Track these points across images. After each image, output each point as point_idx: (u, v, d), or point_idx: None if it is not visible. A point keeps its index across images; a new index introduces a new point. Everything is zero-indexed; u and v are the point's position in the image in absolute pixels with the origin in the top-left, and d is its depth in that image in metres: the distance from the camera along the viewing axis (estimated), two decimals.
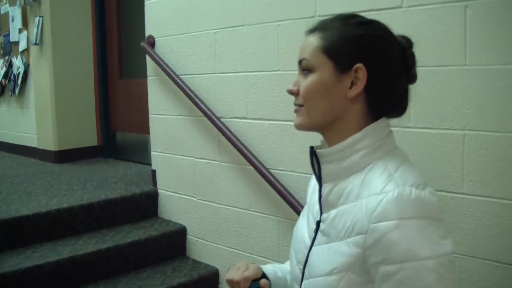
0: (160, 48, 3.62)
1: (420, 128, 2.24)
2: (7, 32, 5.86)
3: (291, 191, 2.78)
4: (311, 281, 1.27)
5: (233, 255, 3.25)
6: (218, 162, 3.29)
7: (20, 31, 5.57)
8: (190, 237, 3.57)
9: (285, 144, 2.87)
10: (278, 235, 2.96)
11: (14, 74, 5.80)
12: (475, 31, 2.06)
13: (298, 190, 2.80)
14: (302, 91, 1.26)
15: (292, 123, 2.80)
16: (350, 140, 1.24)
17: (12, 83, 5.86)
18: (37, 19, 5.09)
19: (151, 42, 3.67)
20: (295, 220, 2.78)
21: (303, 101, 1.27)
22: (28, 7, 5.37)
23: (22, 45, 5.54)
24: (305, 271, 1.32)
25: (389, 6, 2.28)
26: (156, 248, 3.41)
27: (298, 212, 2.68)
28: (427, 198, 1.14)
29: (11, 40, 5.77)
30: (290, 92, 1.32)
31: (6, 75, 5.97)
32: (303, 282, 1.32)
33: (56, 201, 3.47)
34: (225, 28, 3.13)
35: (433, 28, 2.16)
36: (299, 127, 1.31)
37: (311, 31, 1.30)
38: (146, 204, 3.76)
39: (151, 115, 3.79)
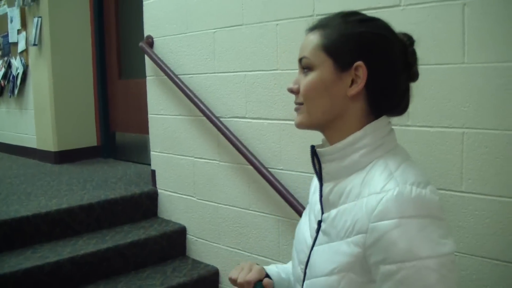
0: (159, 48, 3.62)
1: (419, 126, 2.24)
2: (5, 33, 5.86)
3: (290, 190, 2.78)
4: (313, 281, 1.27)
5: (233, 255, 3.26)
6: (217, 162, 3.29)
7: (18, 32, 5.57)
8: (190, 236, 3.57)
9: (284, 143, 2.87)
10: (277, 234, 2.96)
11: (13, 75, 5.80)
12: (473, 29, 2.06)
13: (297, 189, 2.80)
14: (302, 90, 1.26)
15: (291, 122, 2.83)
16: (350, 138, 1.23)
17: (11, 84, 5.87)
18: (35, 19, 5.09)
19: (150, 42, 3.67)
20: (295, 219, 2.80)
21: (303, 100, 1.26)
22: (26, 8, 5.37)
23: (21, 46, 5.54)
24: (307, 271, 1.31)
25: (387, 5, 2.28)
26: (156, 248, 3.41)
27: (298, 211, 2.69)
28: (428, 196, 1.13)
29: (10, 41, 5.77)
30: (291, 91, 1.31)
31: (5, 76, 5.97)
32: (305, 282, 1.32)
33: (56, 201, 3.47)
34: (224, 27, 3.13)
35: (431, 27, 2.16)
36: (299, 125, 1.30)
37: (312, 29, 1.29)
38: (145, 204, 3.76)
39: (150, 115, 3.79)
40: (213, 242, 3.39)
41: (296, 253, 1.41)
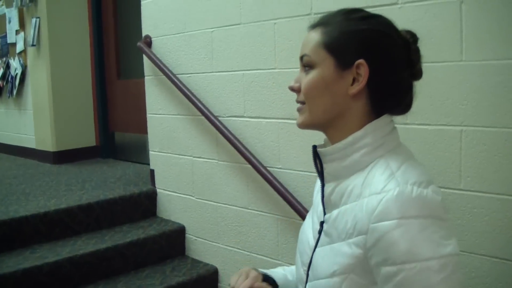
0: (157, 47, 3.62)
1: (417, 124, 2.24)
2: (4, 34, 5.86)
3: (289, 189, 2.78)
4: (315, 283, 1.26)
5: (232, 254, 3.26)
6: (216, 161, 3.29)
7: (17, 32, 5.57)
8: (189, 236, 3.57)
9: (282, 142, 2.87)
10: (276, 233, 2.96)
11: (11, 75, 5.80)
12: (471, 27, 2.06)
13: (296, 188, 2.80)
14: (303, 88, 1.24)
15: (289, 121, 2.83)
16: (350, 138, 1.21)
17: (9, 85, 5.87)
18: (34, 20, 5.09)
19: (148, 42, 3.67)
20: (294, 218, 2.80)
21: (304, 98, 1.25)
22: (24, 9, 5.37)
23: (19, 47, 5.54)
24: (309, 272, 1.30)
25: (384, 3, 2.28)
26: (155, 248, 3.41)
27: (296, 210, 2.69)
28: (429, 196, 1.11)
29: (8, 41, 5.77)
30: (292, 89, 1.29)
31: (3, 77, 5.97)
32: (307, 284, 1.30)
33: (55, 201, 3.47)
34: (222, 26, 3.13)
35: (429, 24, 2.16)
36: (301, 125, 1.29)
37: (313, 26, 1.27)
38: (145, 203, 3.76)
39: (149, 115, 3.79)
40: (212, 242, 3.39)
41: (299, 255, 1.40)
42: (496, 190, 2.06)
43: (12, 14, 5.56)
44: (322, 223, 1.29)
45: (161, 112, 3.66)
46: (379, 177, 1.15)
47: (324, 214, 1.29)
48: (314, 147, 1.29)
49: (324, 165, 1.27)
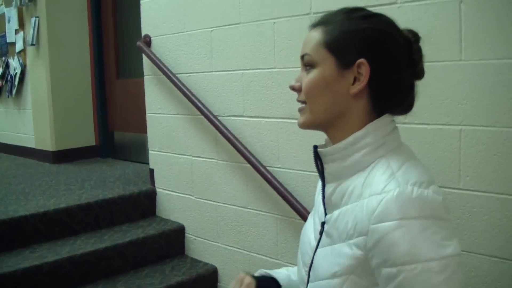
0: (157, 47, 3.62)
1: (417, 124, 2.24)
2: (3, 33, 5.86)
3: (288, 189, 2.78)
4: (316, 284, 1.25)
5: (231, 253, 3.26)
6: (215, 161, 3.29)
7: (16, 32, 5.56)
8: (189, 235, 3.57)
9: (282, 142, 2.87)
10: (276, 232, 2.96)
11: (11, 75, 5.80)
12: (470, 26, 2.06)
13: (295, 187, 2.80)
14: (304, 87, 1.23)
15: (289, 121, 2.83)
16: (351, 138, 1.20)
17: (9, 84, 5.86)
18: (33, 19, 5.09)
19: (147, 41, 3.67)
20: (293, 218, 2.80)
21: (305, 98, 1.24)
22: (24, 8, 5.37)
23: (19, 46, 5.54)
24: (310, 273, 1.29)
25: (384, 2, 2.28)
26: (155, 247, 3.41)
27: (296, 209, 2.69)
28: (430, 197, 1.10)
29: (8, 41, 5.77)
30: (292, 88, 1.28)
31: (3, 76, 5.97)
32: (309, 284, 1.30)
33: (54, 201, 3.47)
34: (221, 26, 3.13)
35: (428, 24, 2.16)
36: (302, 125, 1.28)
37: (314, 25, 1.26)
38: (144, 203, 3.76)
39: (148, 114, 3.79)
40: (212, 241, 3.39)
41: (301, 255, 1.39)
42: (495, 189, 2.06)
43: (12, 13, 5.56)
44: (323, 224, 1.28)
45: (160, 112, 3.66)
46: (380, 177, 1.14)
47: (325, 214, 1.28)
48: (315, 147, 1.28)
49: (325, 165, 1.26)
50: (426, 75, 1.27)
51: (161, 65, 3.47)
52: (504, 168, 2.03)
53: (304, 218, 2.64)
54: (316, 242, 1.30)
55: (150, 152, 3.84)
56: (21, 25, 5.47)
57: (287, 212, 2.83)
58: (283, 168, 2.88)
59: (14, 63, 5.69)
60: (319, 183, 1.41)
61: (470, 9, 2.05)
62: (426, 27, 2.15)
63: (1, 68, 5.99)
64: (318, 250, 1.28)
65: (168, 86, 3.51)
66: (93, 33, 5.25)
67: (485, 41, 2.02)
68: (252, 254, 3.12)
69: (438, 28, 2.14)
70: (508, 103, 1.99)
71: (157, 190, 3.80)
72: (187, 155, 3.49)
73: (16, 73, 5.67)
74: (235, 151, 3.03)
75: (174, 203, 3.66)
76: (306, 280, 1.32)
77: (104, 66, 5.27)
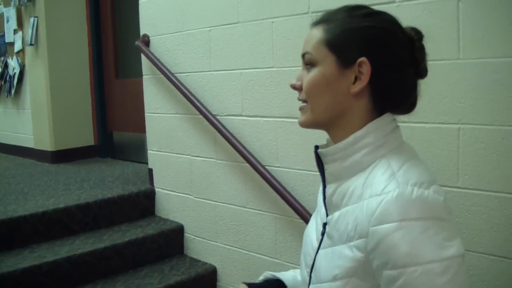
0: (155, 46, 3.62)
1: (415, 122, 2.24)
2: (2, 33, 5.86)
3: (287, 188, 2.78)
4: (318, 286, 1.24)
5: (230, 253, 3.26)
6: (214, 160, 3.29)
7: (15, 31, 5.57)
8: (188, 235, 3.57)
9: (280, 141, 2.87)
10: (275, 232, 2.96)
11: (9, 75, 5.80)
12: (468, 25, 2.06)
13: (294, 186, 2.80)
14: (305, 86, 1.22)
15: (287, 120, 2.83)
16: (351, 138, 1.19)
17: (7, 84, 5.86)
18: (32, 19, 5.09)
19: (146, 41, 3.66)
20: (292, 217, 2.80)
21: (306, 97, 1.23)
22: (22, 8, 5.36)
23: (17, 46, 5.54)
24: (312, 275, 1.28)
25: (382, 1, 2.27)
26: (154, 247, 3.41)
27: (295, 209, 2.69)
28: (430, 197, 1.08)
29: (6, 41, 5.77)
30: (293, 87, 1.27)
31: (1, 76, 5.97)
32: (310, 286, 1.29)
33: (53, 201, 3.47)
34: (220, 25, 3.13)
35: (426, 23, 2.15)
36: (303, 124, 1.27)
37: (315, 23, 1.25)
38: (143, 203, 3.76)
39: (147, 114, 3.79)
40: (211, 240, 3.39)
41: (303, 256, 1.38)
42: (494, 188, 2.06)
43: (10, 13, 5.56)
44: (324, 225, 1.28)
45: (159, 111, 3.66)
46: (380, 177, 1.13)
47: (327, 215, 1.28)
48: (316, 147, 1.27)
49: (325, 166, 1.25)
50: None
51: (159, 64, 3.47)
52: (503, 166, 2.03)
53: (303, 217, 2.65)
54: (318, 243, 1.29)
55: (149, 151, 3.84)
56: (20, 25, 5.47)
57: (286, 211, 2.83)
58: (282, 168, 2.88)
59: (13, 63, 5.69)
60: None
61: (468, 8, 2.05)
62: (424, 26, 2.13)
63: (0, 68, 5.98)
64: (319, 251, 1.27)
65: (166, 86, 3.51)
66: (92, 33, 5.25)
67: (483, 40, 2.02)
68: (251, 253, 3.12)
69: (436, 26, 2.14)
70: (506, 102, 1.99)
71: (156, 189, 3.80)
72: (186, 155, 3.49)
73: (15, 73, 5.67)
74: (234, 151, 3.03)
75: (173, 202, 3.66)
76: (308, 281, 1.31)
77: (103, 66, 5.27)
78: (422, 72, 1.24)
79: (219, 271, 3.36)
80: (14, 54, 5.65)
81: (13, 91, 5.76)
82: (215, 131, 3.14)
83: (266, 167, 2.90)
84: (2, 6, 5.78)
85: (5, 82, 5.93)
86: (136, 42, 3.67)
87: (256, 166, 2.90)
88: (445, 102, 2.15)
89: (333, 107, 1.21)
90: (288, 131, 2.81)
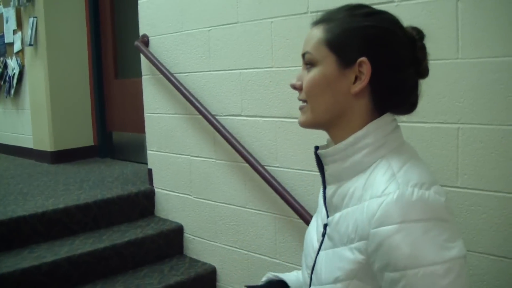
0: (154, 47, 3.62)
1: (414, 122, 2.24)
2: (1, 34, 5.86)
3: (286, 188, 2.78)
4: None
5: (230, 253, 3.26)
6: (213, 160, 3.29)
7: (14, 32, 5.56)
8: (187, 235, 3.57)
9: (280, 141, 2.87)
10: (274, 232, 2.96)
11: (9, 75, 5.80)
12: (467, 25, 2.06)
13: (293, 186, 2.80)
14: (305, 86, 1.22)
15: (287, 120, 2.83)
16: (351, 138, 1.18)
17: (7, 84, 5.86)
18: (31, 20, 5.08)
19: (145, 41, 3.66)
20: (291, 217, 2.80)
21: (306, 97, 1.22)
22: (22, 8, 5.36)
23: (17, 46, 5.54)
24: (313, 276, 1.28)
25: (381, 1, 2.27)
26: (153, 247, 3.41)
27: (294, 209, 2.69)
28: (431, 198, 1.07)
29: (6, 41, 5.77)
30: (293, 87, 1.26)
31: (1, 77, 5.96)
32: (311, 287, 1.28)
33: (53, 201, 3.47)
34: (219, 25, 3.13)
35: (425, 22, 2.15)
36: (303, 124, 1.26)
37: (316, 23, 1.24)
38: (142, 203, 3.76)
39: (147, 114, 3.79)
40: (210, 241, 3.39)
41: (304, 257, 1.37)
42: (493, 187, 2.06)
43: (10, 13, 5.56)
44: (325, 226, 1.27)
45: (158, 112, 3.66)
46: (380, 179, 1.12)
47: (327, 216, 1.27)
48: (316, 148, 1.26)
49: (325, 167, 1.24)
50: None
51: (159, 64, 3.47)
52: (502, 166, 2.03)
53: (303, 217, 2.65)
54: (319, 244, 1.28)
55: (148, 152, 3.84)
56: (19, 25, 5.47)
57: (285, 211, 2.83)
58: (281, 168, 2.88)
59: (12, 64, 5.69)
60: None
61: (467, 7, 2.05)
62: (423, 26, 2.13)
63: None
64: (320, 252, 1.26)
65: (166, 86, 3.51)
66: (91, 33, 5.25)
67: (482, 39, 2.02)
68: (251, 253, 3.12)
69: (435, 26, 2.13)
70: (505, 101, 1.99)
71: (156, 190, 3.80)
72: (185, 155, 3.49)
73: (14, 74, 5.67)
74: (233, 151, 3.02)
75: (172, 203, 3.66)
76: (308, 283, 1.31)
77: (102, 66, 5.27)
78: (423, 71, 1.23)
79: (219, 271, 3.36)
80: (14, 55, 5.64)
81: (12, 92, 5.76)
82: (214, 131, 3.14)
83: (266, 167, 2.90)
84: (1, 6, 5.78)
85: (4, 82, 5.93)
86: (136, 42, 3.67)
87: (256, 166, 2.90)
88: (444, 101, 2.15)
89: (333, 107, 1.20)
90: (288, 131, 2.81)
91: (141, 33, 3.71)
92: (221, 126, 3.08)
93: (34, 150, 5.44)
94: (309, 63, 1.22)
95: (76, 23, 5.23)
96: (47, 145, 5.17)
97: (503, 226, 2.05)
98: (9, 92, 5.83)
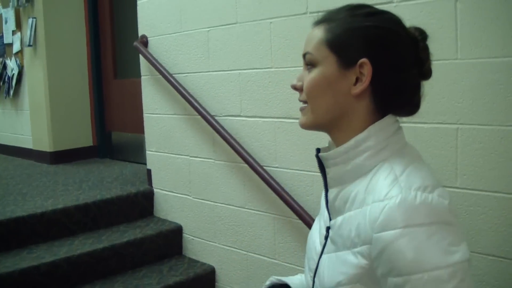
0: (154, 47, 3.62)
1: (414, 123, 2.23)
2: (0, 34, 5.85)
3: (286, 188, 2.78)
4: None
5: (229, 253, 3.26)
6: (213, 161, 3.29)
7: (13, 32, 5.55)
8: (186, 235, 3.57)
9: (279, 141, 2.87)
10: (273, 232, 2.96)
11: (8, 76, 5.79)
12: (466, 25, 2.06)
13: (293, 187, 2.80)
14: (305, 87, 1.20)
15: (286, 120, 2.83)
16: (352, 141, 1.17)
17: (6, 85, 5.86)
18: (30, 20, 5.08)
19: (144, 42, 3.66)
20: (291, 217, 2.80)
21: (306, 97, 1.21)
22: (21, 9, 5.36)
23: (16, 47, 5.53)
24: (315, 279, 1.27)
25: (380, 1, 2.27)
26: (153, 247, 3.41)
27: (293, 209, 2.69)
28: (435, 201, 1.06)
29: (5, 42, 5.76)
30: (294, 88, 1.25)
31: (0, 77, 5.96)
32: None
33: (52, 202, 3.46)
34: (218, 26, 3.13)
35: (424, 23, 2.13)
36: (303, 125, 1.25)
37: (317, 23, 1.22)
38: (142, 203, 3.75)
39: (146, 114, 3.79)
40: (209, 241, 3.39)
41: (307, 260, 1.36)
42: (492, 188, 2.06)
43: (9, 14, 5.55)
44: (328, 229, 1.26)
45: (157, 112, 3.66)
46: (383, 182, 1.11)
47: (330, 219, 1.26)
48: (318, 150, 1.25)
49: (327, 170, 1.23)
50: None
51: (158, 65, 3.47)
52: (501, 166, 2.03)
53: (302, 218, 2.65)
54: (321, 247, 1.27)
55: (147, 152, 3.84)
56: (18, 26, 5.46)
57: (284, 212, 2.83)
58: (281, 168, 2.88)
59: (12, 64, 5.68)
60: None
61: (466, 8, 2.05)
62: (422, 26, 2.13)
63: None
64: (323, 256, 1.25)
65: (165, 86, 3.51)
66: (90, 34, 5.24)
67: (481, 40, 2.02)
68: (250, 254, 3.12)
69: (434, 27, 2.13)
70: (504, 102, 1.99)
71: (155, 190, 3.80)
72: (185, 155, 3.49)
73: (13, 74, 5.66)
74: (233, 151, 3.02)
75: (171, 203, 3.66)
76: (311, 286, 1.30)
77: (101, 67, 5.26)
78: (426, 72, 1.22)
79: (218, 272, 3.36)
80: (13, 55, 5.64)
81: (11, 92, 5.75)
82: (213, 131, 3.14)
83: (265, 167, 2.90)
84: (0, 7, 5.77)
85: (3, 83, 5.92)
86: (135, 43, 3.67)
87: (255, 167, 2.90)
88: (443, 102, 2.15)
89: (333, 108, 1.19)
90: (287, 131, 2.81)
91: (140, 34, 3.71)
92: (220, 127, 3.08)
93: (33, 150, 5.43)
94: (309, 64, 1.21)
95: (75, 24, 5.23)
96: (46, 146, 5.17)
97: (502, 226, 2.05)
98: (8, 92, 5.82)
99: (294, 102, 1.27)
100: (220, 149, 3.21)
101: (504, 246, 2.05)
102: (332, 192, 1.23)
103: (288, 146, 2.83)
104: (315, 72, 1.19)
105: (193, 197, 3.48)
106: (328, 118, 1.21)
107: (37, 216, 3.21)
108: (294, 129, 2.77)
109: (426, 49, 1.21)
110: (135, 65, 3.93)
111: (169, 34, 3.48)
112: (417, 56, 1.19)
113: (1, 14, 5.76)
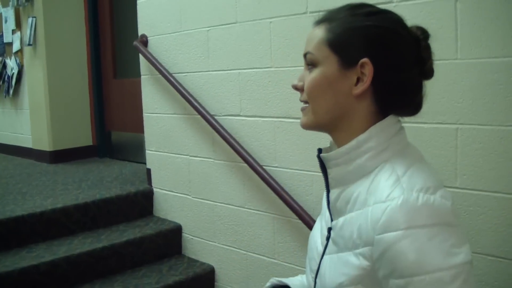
0: (153, 47, 3.61)
1: (413, 123, 2.22)
2: (0, 33, 5.85)
3: (285, 188, 2.78)
4: None
5: (228, 253, 3.25)
6: (212, 160, 3.28)
7: (13, 32, 5.55)
8: (186, 235, 3.57)
9: (279, 141, 2.87)
10: (273, 232, 2.96)
11: (8, 75, 5.79)
12: (466, 25, 2.06)
13: (292, 186, 2.80)
14: (306, 87, 1.20)
15: (286, 120, 2.83)
16: (354, 142, 1.16)
17: (6, 84, 5.85)
18: (30, 19, 5.08)
19: (144, 41, 3.66)
20: (290, 217, 2.80)
21: (307, 98, 1.20)
22: (21, 8, 5.36)
23: (16, 46, 5.53)
24: (317, 280, 1.26)
25: (380, 1, 2.26)
26: (152, 247, 3.41)
27: (293, 209, 2.69)
28: (437, 203, 1.05)
29: (5, 41, 5.76)
30: (295, 88, 1.25)
31: (0, 76, 5.95)
32: None
33: (51, 201, 3.46)
34: (218, 25, 3.12)
35: (424, 23, 2.12)
36: (304, 126, 1.24)
37: (318, 22, 1.21)
38: (141, 203, 3.75)
39: (145, 114, 3.79)
40: (209, 240, 3.39)
41: (308, 260, 1.36)
42: (492, 188, 2.06)
43: (9, 13, 5.55)
44: (329, 230, 1.25)
45: (157, 111, 3.66)
46: (384, 183, 1.10)
47: (331, 220, 1.25)
48: (319, 151, 1.25)
49: (328, 170, 1.22)
50: None
51: (157, 64, 3.47)
52: (501, 166, 2.03)
53: (301, 218, 2.65)
54: (323, 247, 1.27)
55: (147, 151, 3.84)
56: (18, 25, 5.46)
57: (284, 211, 2.83)
58: (280, 168, 2.88)
59: (11, 63, 5.68)
60: None
61: (466, 8, 2.05)
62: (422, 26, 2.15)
63: None
64: (324, 256, 1.25)
65: (165, 86, 3.51)
66: (90, 33, 5.24)
67: (481, 40, 2.02)
68: (249, 253, 3.12)
69: (434, 27, 2.12)
70: (504, 102, 1.99)
71: (154, 189, 3.80)
72: (184, 155, 3.49)
73: (13, 73, 5.66)
74: (232, 151, 3.02)
75: (171, 202, 3.66)
76: (313, 286, 1.29)
77: (101, 66, 5.26)
78: (428, 72, 1.21)
79: (217, 271, 3.36)
80: (13, 54, 5.64)
81: (11, 91, 5.75)
82: (213, 131, 3.13)
83: (264, 167, 2.90)
84: (0, 6, 5.77)
85: (3, 82, 5.92)
86: (135, 42, 3.67)
87: (254, 166, 2.90)
88: (443, 102, 2.15)
89: (334, 109, 1.18)
90: (287, 131, 2.81)
91: (140, 33, 3.71)
92: (220, 126, 3.08)
93: (33, 149, 5.43)
94: (310, 64, 1.20)
95: (75, 23, 5.23)
96: (46, 145, 5.17)
97: (502, 226, 2.04)
98: (8, 92, 5.82)
99: (293, 102, 1.27)
100: (219, 148, 3.20)
101: (504, 246, 2.05)
102: (333, 193, 1.22)
103: (288, 145, 2.82)
104: (316, 72, 1.18)
105: (193, 197, 3.47)
106: (329, 118, 1.20)
107: (37, 215, 3.21)
108: (294, 129, 2.77)
109: (428, 48, 1.20)
110: (135, 64, 3.93)
111: (169, 33, 3.48)
112: (419, 55, 1.18)
113: (1, 13, 5.76)
